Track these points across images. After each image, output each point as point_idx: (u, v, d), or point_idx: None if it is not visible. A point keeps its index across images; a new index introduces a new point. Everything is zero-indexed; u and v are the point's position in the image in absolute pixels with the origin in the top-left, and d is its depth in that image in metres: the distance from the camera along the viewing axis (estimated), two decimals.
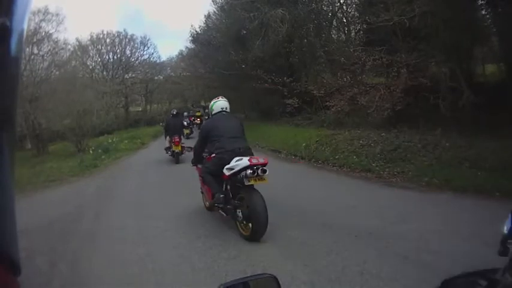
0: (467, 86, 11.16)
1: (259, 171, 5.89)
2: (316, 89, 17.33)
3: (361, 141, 12.47)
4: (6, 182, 0.66)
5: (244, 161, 5.92)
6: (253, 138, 19.34)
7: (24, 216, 7.99)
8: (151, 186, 11.57)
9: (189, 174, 10.22)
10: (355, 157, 11.56)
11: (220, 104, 7.00)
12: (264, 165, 5.95)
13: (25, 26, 0.68)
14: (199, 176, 7.26)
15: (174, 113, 17.34)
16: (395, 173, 9.64)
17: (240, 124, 6.87)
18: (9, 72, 0.65)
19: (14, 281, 0.66)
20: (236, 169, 5.97)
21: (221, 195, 6.25)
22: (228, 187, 6.45)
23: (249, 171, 5.86)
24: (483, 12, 12.92)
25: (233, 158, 6.06)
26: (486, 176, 7.72)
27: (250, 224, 5.80)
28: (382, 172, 9.98)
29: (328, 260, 4.93)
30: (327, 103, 16.04)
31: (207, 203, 7.38)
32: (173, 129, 15.83)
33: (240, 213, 5.93)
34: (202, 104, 50.95)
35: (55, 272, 5.52)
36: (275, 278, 1.45)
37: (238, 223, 6.07)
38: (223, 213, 6.54)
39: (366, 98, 13.64)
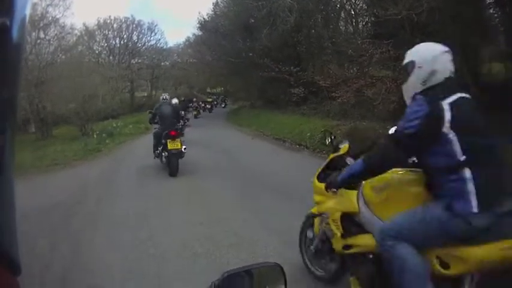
0: (474, 84, 11.18)
1: None
2: (323, 79, 17.31)
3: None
4: (8, 179, 0.66)
5: None
6: (258, 126, 19.45)
7: (26, 200, 8.18)
8: (154, 170, 11.49)
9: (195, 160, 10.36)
10: None
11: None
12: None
13: (26, 24, 0.68)
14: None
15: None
16: None
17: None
18: (10, 67, 0.65)
19: (14, 281, 0.67)
20: None
21: None
22: None
23: None
24: (491, 11, 12.90)
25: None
26: None
27: None
28: None
29: None
30: (333, 94, 16.03)
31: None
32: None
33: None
34: (208, 90, 50.99)
35: (56, 255, 5.60)
36: (280, 267, 1.44)
37: None
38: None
39: (372, 90, 13.66)
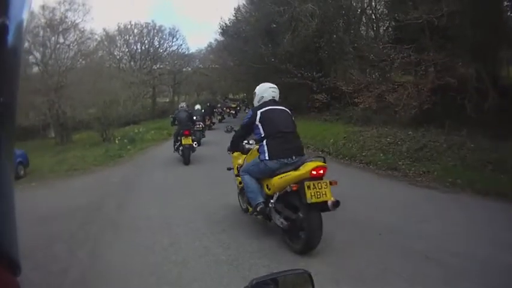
0: (493, 88, 11.15)
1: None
2: (345, 84, 17.31)
3: (388, 139, 12.48)
4: (6, 181, 0.66)
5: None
6: None
7: (45, 204, 8.35)
8: (177, 178, 11.60)
9: (216, 165, 10.48)
10: (381, 155, 11.54)
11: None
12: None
13: (25, 23, 0.68)
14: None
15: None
16: (421, 172, 9.60)
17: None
18: (8, 70, 0.65)
19: (14, 281, 0.67)
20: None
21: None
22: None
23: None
24: (509, 14, 12.83)
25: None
26: (508, 180, 7.66)
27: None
28: (408, 171, 9.96)
29: (353, 258, 4.98)
30: (355, 99, 16.05)
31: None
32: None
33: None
34: (231, 96, 51.15)
35: (74, 259, 5.60)
36: (309, 274, 1.43)
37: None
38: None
39: (394, 95, 13.65)
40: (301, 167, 5.17)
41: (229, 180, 7.70)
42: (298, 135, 5.76)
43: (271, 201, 5.44)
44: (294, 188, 5.03)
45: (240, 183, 6.34)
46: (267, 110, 5.63)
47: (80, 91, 26.42)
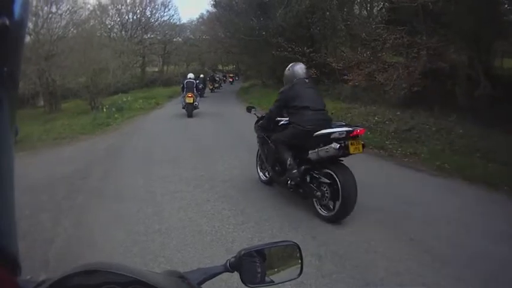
0: (485, 77, 11.21)
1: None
2: (335, 61, 17.28)
3: (376, 118, 12.53)
4: (7, 180, 0.64)
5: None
6: (270, 105, 19.50)
7: (31, 174, 8.31)
8: (163, 147, 11.54)
9: (202, 134, 10.50)
10: (369, 133, 11.51)
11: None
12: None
13: (27, 21, 0.67)
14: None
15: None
16: (408, 153, 9.65)
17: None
18: (14, 39, 0.63)
19: (14, 281, 0.67)
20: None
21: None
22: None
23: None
24: (506, 6, 12.82)
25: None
26: (496, 169, 7.73)
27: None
28: (395, 151, 10.01)
29: (337, 234, 5.07)
30: (345, 77, 16.06)
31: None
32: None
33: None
34: (220, 68, 51.12)
35: (58, 229, 5.60)
36: (297, 245, 1.44)
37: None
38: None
39: (384, 75, 13.62)
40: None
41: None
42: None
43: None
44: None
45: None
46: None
47: (70, 60, 26.12)
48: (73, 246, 5.08)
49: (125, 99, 25.21)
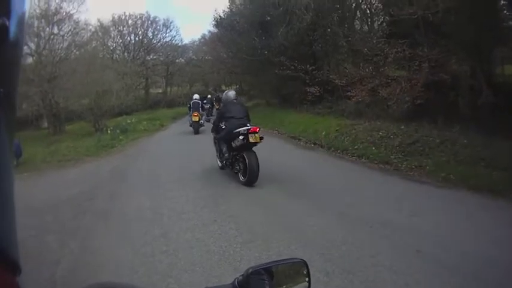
0: (487, 86, 11.20)
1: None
2: (338, 78, 17.38)
3: (380, 133, 12.48)
4: (6, 178, 0.64)
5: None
6: (274, 124, 19.49)
7: (37, 195, 8.34)
8: (168, 169, 11.59)
9: (207, 153, 10.68)
10: (374, 148, 11.59)
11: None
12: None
13: (26, 14, 0.67)
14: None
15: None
16: (413, 166, 9.64)
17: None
18: (10, 60, 0.63)
19: (14, 281, 0.65)
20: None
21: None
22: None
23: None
24: (505, 12, 12.85)
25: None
26: (500, 177, 7.71)
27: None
28: (400, 165, 10.00)
29: (343, 250, 5.04)
30: (348, 93, 16.11)
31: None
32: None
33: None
34: (224, 88, 51.40)
35: (65, 250, 5.58)
36: (305, 263, 1.42)
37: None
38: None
39: (387, 90, 13.63)
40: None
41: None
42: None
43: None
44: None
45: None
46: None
47: (73, 81, 26.24)
48: (80, 268, 5.07)
49: (129, 121, 25.40)
